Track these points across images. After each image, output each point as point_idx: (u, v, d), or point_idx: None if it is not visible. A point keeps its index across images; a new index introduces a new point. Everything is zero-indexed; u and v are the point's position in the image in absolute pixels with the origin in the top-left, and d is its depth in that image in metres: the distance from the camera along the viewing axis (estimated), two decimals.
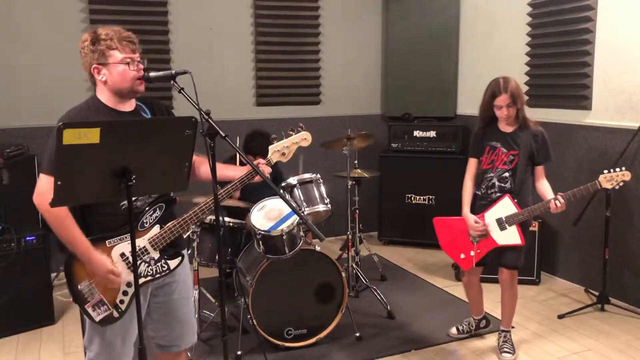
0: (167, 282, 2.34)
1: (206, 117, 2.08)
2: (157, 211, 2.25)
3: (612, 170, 3.13)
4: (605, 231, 3.94)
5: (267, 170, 2.42)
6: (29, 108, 4.69)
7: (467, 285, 3.62)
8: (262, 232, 3.31)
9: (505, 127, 3.32)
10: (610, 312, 4.00)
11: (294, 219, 3.33)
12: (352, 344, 3.59)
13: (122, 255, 2.20)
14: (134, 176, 1.88)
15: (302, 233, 3.46)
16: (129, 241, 2.17)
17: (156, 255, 2.25)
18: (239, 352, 3.39)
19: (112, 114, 2.19)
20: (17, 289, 3.72)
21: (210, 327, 3.67)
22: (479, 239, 3.35)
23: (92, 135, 1.76)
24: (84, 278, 2.19)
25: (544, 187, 3.29)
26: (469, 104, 5.61)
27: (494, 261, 3.39)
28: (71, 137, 1.73)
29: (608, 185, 3.13)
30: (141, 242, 2.23)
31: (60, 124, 1.72)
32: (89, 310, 2.19)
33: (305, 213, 3.55)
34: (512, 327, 3.56)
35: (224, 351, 2.21)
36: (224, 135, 2.06)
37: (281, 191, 3.54)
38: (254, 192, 3.75)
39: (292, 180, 3.67)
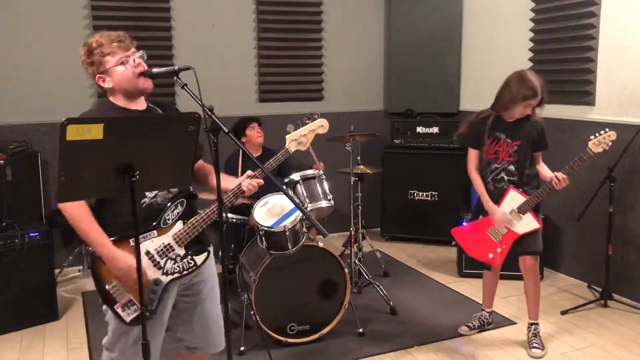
0: (195, 281, 2.34)
1: (209, 113, 2.07)
2: (179, 207, 2.25)
3: (597, 134, 3.17)
4: (608, 227, 3.93)
5: (259, 182, 2.35)
6: (33, 105, 4.70)
7: (489, 276, 3.61)
8: (265, 228, 3.31)
9: (509, 117, 3.32)
10: (613, 308, 3.99)
11: (297, 215, 3.33)
12: (355, 339, 3.59)
13: (147, 253, 2.18)
14: (137, 172, 1.88)
15: (305, 229, 3.46)
16: (153, 238, 2.19)
17: (181, 251, 2.24)
18: (242, 348, 3.40)
19: (123, 112, 2.20)
20: (20, 285, 3.73)
21: None
22: (500, 236, 3.35)
23: (95, 131, 1.76)
24: (111, 278, 2.17)
25: (544, 169, 3.34)
26: (471, 100, 5.60)
27: (516, 252, 3.39)
28: (74, 132, 1.73)
29: (599, 149, 3.16)
30: (165, 239, 2.22)
31: (64, 119, 1.72)
32: (119, 310, 2.17)
33: (308, 209, 3.55)
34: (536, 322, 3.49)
35: (227, 347, 2.21)
36: (227, 131, 2.06)
37: (284, 187, 3.54)
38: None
39: (295, 176, 3.67)
